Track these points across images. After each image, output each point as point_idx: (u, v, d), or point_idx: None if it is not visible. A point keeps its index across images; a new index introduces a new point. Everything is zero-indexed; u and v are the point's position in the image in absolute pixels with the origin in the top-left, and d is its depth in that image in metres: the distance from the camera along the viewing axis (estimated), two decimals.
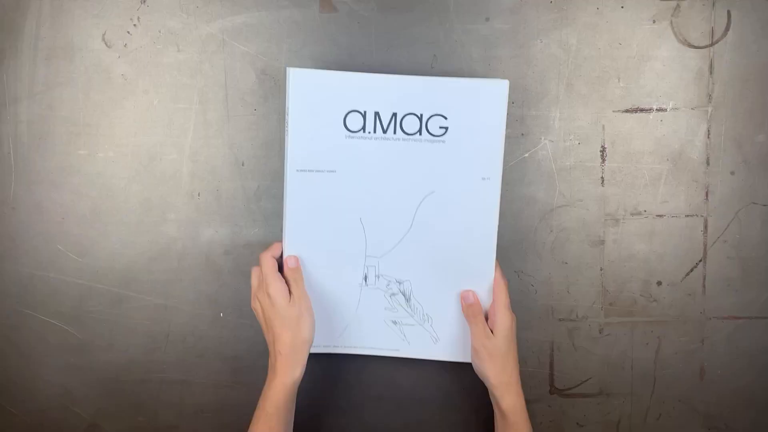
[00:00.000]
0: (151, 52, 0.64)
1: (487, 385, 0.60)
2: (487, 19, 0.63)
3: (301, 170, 0.59)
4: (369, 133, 0.59)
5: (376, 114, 0.59)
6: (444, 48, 0.63)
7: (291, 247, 0.61)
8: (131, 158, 0.65)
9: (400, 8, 0.63)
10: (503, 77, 0.63)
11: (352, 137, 0.59)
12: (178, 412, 0.67)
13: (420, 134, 0.59)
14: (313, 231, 0.61)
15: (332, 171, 0.60)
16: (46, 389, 0.67)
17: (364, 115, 0.59)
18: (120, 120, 0.65)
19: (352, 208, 0.61)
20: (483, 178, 0.59)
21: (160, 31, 0.64)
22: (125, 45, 0.64)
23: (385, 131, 0.59)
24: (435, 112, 0.59)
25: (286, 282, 0.58)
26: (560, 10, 0.63)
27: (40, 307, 0.66)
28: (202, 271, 0.66)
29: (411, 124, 0.59)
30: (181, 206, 0.65)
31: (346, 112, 0.59)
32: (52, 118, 0.65)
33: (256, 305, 0.59)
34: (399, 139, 0.59)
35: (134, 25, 0.64)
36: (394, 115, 0.59)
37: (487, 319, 0.60)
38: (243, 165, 0.65)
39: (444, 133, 0.59)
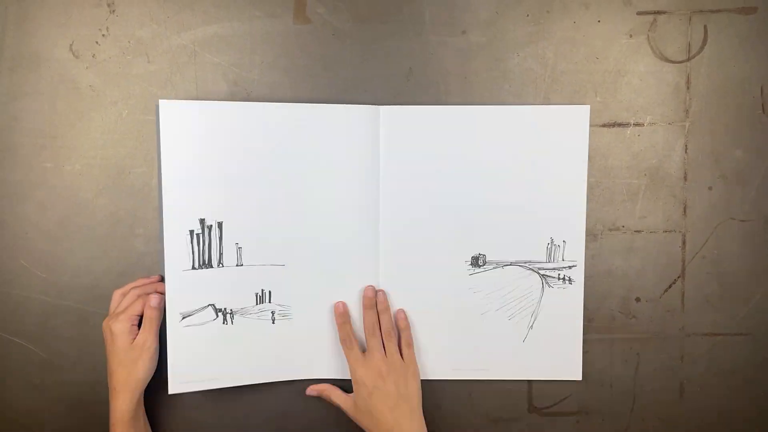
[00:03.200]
0: (120, 62, 0.62)
1: None
2: (464, 32, 0.62)
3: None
4: None
5: None
6: (420, 61, 0.62)
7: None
8: (99, 171, 0.63)
9: (375, 20, 0.62)
10: (480, 91, 0.62)
11: None
12: None
13: None
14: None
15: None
16: (8, 410, 0.64)
17: None
18: (87, 132, 0.63)
19: None
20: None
21: (129, 42, 0.62)
22: (93, 55, 0.62)
23: None
24: None
25: (143, 319, 0.59)
26: (537, 23, 0.62)
27: (2, 325, 0.64)
28: None
29: None
30: (150, 221, 0.63)
31: None
32: (17, 130, 0.63)
33: (104, 329, 0.60)
34: None
35: (103, 35, 0.62)
36: None
37: None
38: None
39: None
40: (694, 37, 0.63)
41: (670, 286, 0.64)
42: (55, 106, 0.62)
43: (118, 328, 0.58)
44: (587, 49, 0.63)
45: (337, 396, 0.62)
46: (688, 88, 0.63)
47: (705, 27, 0.62)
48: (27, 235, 0.63)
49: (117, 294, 0.61)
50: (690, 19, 0.62)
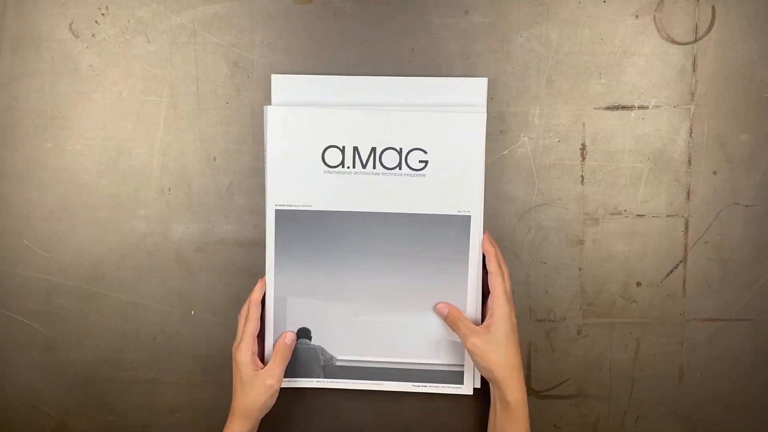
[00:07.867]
0: (119, 42, 0.62)
1: (489, 380, 0.58)
2: (467, 12, 0.62)
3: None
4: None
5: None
6: (422, 41, 0.62)
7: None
8: (99, 152, 0.63)
9: (376, 0, 0.61)
10: (483, 72, 0.62)
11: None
12: (148, 411, 0.66)
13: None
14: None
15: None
16: (12, 388, 0.66)
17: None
18: (88, 112, 0.63)
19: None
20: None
21: (129, 21, 0.62)
22: (93, 35, 0.62)
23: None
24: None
25: (274, 351, 0.59)
26: (541, 3, 0.61)
27: (6, 304, 0.65)
28: (172, 268, 0.64)
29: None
30: (151, 202, 0.63)
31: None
32: (18, 110, 0.63)
33: (232, 354, 0.59)
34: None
35: (102, 14, 0.62)
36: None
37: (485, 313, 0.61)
38: (215, 160, 0.63)
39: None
40: (701, 18, 0.61)
41: (671, 271, 0.64)
42: (55, 86, 0.62)
43: (240, 358, 0.57)
44: (592, 30, 0.62)
45: (466, 325, 0.58)
46: (694, 70, 0.62)
47: (713, 8, 0.61)
48: (29, 215, 0.64)
49: (241, 317, 0.60)
50: (698, 0, 0.61)
